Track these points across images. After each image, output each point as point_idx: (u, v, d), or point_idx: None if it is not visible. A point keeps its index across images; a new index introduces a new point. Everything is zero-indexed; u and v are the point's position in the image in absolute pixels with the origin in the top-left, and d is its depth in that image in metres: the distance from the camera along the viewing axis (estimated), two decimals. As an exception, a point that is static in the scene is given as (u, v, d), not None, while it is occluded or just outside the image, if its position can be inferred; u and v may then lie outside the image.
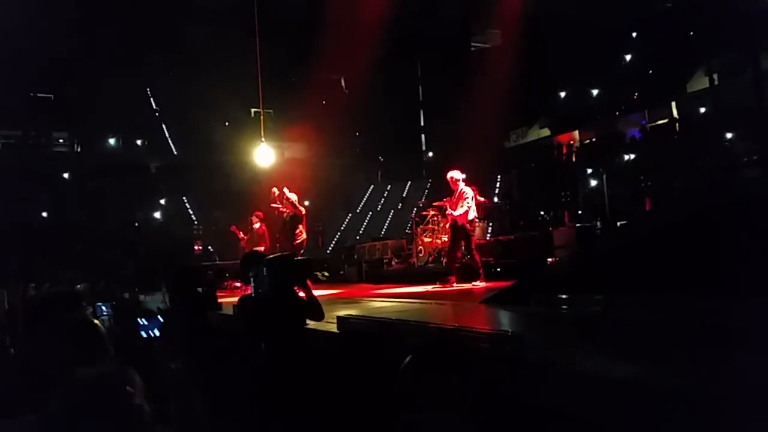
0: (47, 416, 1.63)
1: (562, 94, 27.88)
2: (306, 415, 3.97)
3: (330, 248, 22.44)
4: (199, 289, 6.96)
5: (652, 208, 14.55)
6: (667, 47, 22.09)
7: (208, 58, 23.79)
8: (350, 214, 27.78)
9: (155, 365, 4.28)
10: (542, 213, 16.74)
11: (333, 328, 4.85)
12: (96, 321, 2.47)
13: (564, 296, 4.94)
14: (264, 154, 14.66)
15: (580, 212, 16.96)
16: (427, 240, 12.77)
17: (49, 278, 14.61)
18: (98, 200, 23.51)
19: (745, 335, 3.17)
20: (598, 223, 14.02)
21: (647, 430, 2.43)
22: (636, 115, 23.42)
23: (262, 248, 12.19)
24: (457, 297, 8.26)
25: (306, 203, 12.86)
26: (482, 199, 13.39)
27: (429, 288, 9.55)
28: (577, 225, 13.27)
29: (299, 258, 4.96)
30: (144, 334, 6.63)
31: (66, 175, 26.05)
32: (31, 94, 25.60)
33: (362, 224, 26.67)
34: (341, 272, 15.53)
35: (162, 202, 26.40)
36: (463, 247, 9.73)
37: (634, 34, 24.16)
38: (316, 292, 4.76)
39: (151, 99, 28.17)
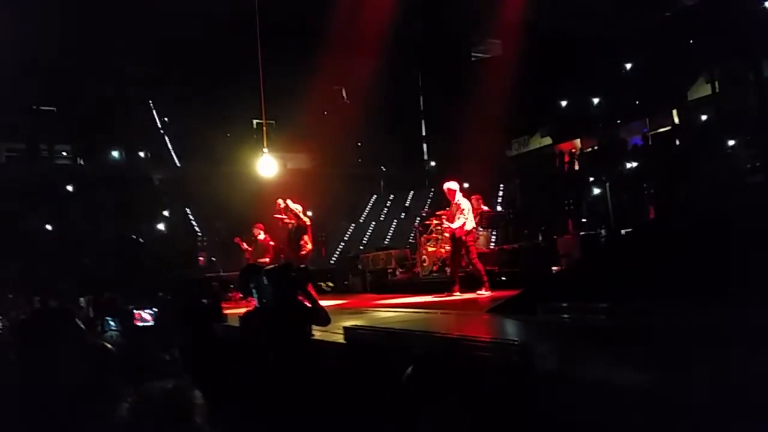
0: (112, 428, 1.65)
1: (563, 103, 27.90)
2: (313, 424, 3.96)
3: (334, 258, 22.42)
4: (204, 301, 6.97)
5: (656, 215, 14.52)
6: (668, 55, 22.12)
7: (210, 69, 23.88)
8: (353, 224, 27.78)
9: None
10: (543, 227, 16.64)
11: (340, 338, 4.85)
12: (107, 345, 2.46)
13: (572, 305, 4.93)
14: (267, 165, 14.68)
15: (584, 220, 16.94)
16: (431, 249, 12.75)
17: (53, 290, 14.61)
18: (101, 212, 23.55)
19: (754, 343, 3.16)
20: (603, 231, 13.99)
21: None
22: (637, 122, 23.42)
23: (267, 260, 12.20)
24: (463, 306, 8.24)
25: (309, 213, 12.86)
26: (486, 208, 13.42)
27: (434, 298, 9.54)
28: (582, 233, 13.26)
29: (297, 266, 4.97)
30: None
31: (69, 188, 26.12)
32: (35, 108, 25.70)
33: (366, 234, 26.66)
34: (345, 282, 15.52)
35: (165, 213, 26.42)
36: (465, 257, 9.74)
37: (634, 42, 24.19)
38: (321, 303, 4.77)
39: (154, 111, 28.26)
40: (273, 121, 21.39)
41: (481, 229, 12.24)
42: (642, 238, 6.05)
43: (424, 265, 12.81)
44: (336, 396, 4.24)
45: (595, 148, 24.47)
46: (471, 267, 9.72)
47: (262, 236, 13.04)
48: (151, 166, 28.07)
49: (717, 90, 19.06)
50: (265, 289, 4.45)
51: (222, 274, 16.35)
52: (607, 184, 15.45)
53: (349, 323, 5.24)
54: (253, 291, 4.63)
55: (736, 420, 2.25)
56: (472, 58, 28.96)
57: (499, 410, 2.58)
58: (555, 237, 12.28)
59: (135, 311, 6.39)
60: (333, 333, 4.86)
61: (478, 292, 9.27)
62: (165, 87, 26.30)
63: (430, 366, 2.04)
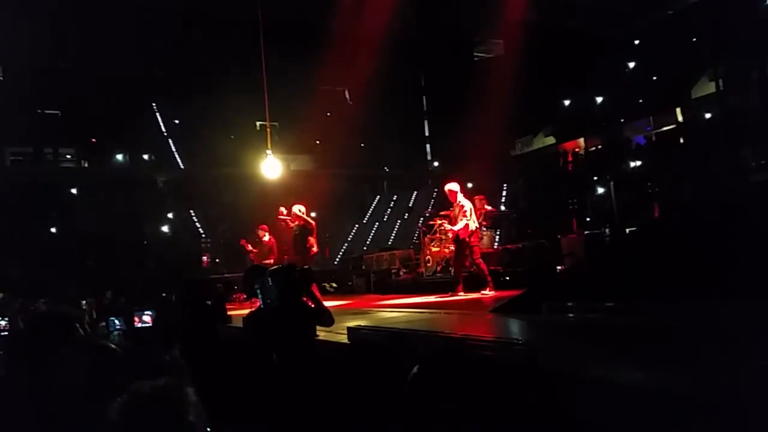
0: (104, 427, 1.64)
1: (567, 102, 27.87)
2: (317, 424, 3.96)
3: (338, 259, 22.43)
4: (208, 302, 6.98)
5: (660, 214, 14.48)
6: (672, 53, 22.07)
7: (213, 71, 23.92)
8: (357, 225, 27.77)
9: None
10: (547, 226, 16.62)
11: (344, 338, 4.85)
12: (112, 345, 2.46)
13: (576, 304, 4.91)
14: (271, 167, 14.68)
15: (588, 219, 16.91)
16: (434, 249, 12.74)
17: (57, 293, 14.64)
18: (106, 215, 23.61)
19: (760, 341, 3.14)
20: (607, 230, 13.96)
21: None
22: (641, 121, 23.39)
23: (271, 260, 12.19)
24: (467, 306, 8.23)
25: (313, 214, 12.85)
26: (490, 207, 13.40)
27: (438, 298, 9.53)
28: (586, 232, 13.25)
29: (300, 267, 4.97)
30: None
31: (74, 191, 26.19)
32: (39, 111, 25.78)
33: (369, 235, 26.65)
34: (349, 283, 15.52)
35: (169, 215, 26.46)
36: (468, 257, 9.74)
37: (637, 41, 24.17)
38: (325, 303, 4.77)
39: (158, 114, 28.32)
40: (276, 123, 21.41)
41: (484, 229, 12.23)
42: (646, 237, 6.03)
43: (428, 265, 12.80)
44: (339, 396, 4.24)
45: (599, 147, 24.44)
46: (475, 267, 9.72)
47: (266, 237, 13.04)
48: (155, 168, 28.10)
49: (721, 88, 18.99)
50: (270, 289, 4.46)
51: (226, 275, 16.36)
52: (611, 183, 15.44)
53: (352, 323, 5.24)
54: (258, 292, 4.64)
55: (741, 418, 2.24)
56: (475, 58, 28.95)
57: (504, 410, 2.57)
58: (559, 236, 12.26)
59: (135, 313, 6.40)
60: (337, 333, 4.85)
61: (482, 292, 9.27)
62: (169, 90, 26.33)
63: (437, 366, 2.04)
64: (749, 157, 15.95)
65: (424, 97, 32.14)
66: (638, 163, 20.62)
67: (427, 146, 32.64)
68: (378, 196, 30.19)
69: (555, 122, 27.30)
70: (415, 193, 28.98)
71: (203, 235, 25.13)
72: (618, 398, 2.67)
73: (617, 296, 4.63)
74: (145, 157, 28.55)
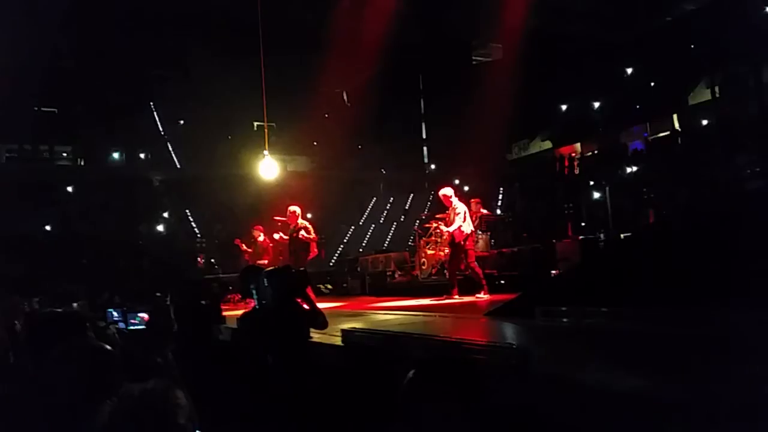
0: (94, 429, 1.64)
1: (564, 107, 27.94)
2: (310, 426, 3.96)
3: (333, 261, 22.41)
4: (203, 302, 6.96)
5: (655, 220, 14.52)
6: (669, 60, 22.15)
7: (211, 72, 23.90)
8: (353, 227, 27.76)
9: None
10: (542, 231, 16.64)
11: (337, 341, 4.84)
12: (107, 347, 2.45)
13: (570, 309, 4.93)
14: (267, 167, 14.66)
15: (583, 224, 16.93)
16: (430, 252, 12.74)
17: (52, 291, 14.58)
18: (101, 213, 23.54)
19: (753, 347, 3.15)
20: (602, 236, 13.99)
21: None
22: (638, 127, 23.46)
23: (266, 261, 12.17)
24: (461, 310, 8.23)
25: (309, 216, 12.83)
26: (485, 211, 13.41)
27: (432, 301, 9.53)
28: (581, 237, 13.26)
29: (296, 269, 4.96)
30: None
31: (70, 189, 26.11)
32: (36, 109, 25.71)
33: (365, 237, 26.65)
34: (344, 285, 15.51)
35: (165, 215, 26.42)
36: (463, 261, 9.75)
37: (635, 47, 24.24)
38: (320, 305, 4.77)
39: (155, 113, 28.26)
40: (274, 124, 21.39)
41: (480, 232, 12.24)
42: (641, 243, 6.05)
43: (423, 268, 12.81)
44: (333, 398, 4.23)
45: (596, 152, 24.50)
46: (470, 271, 9.72)
47: (261, 238, 13.02)
48: (151, 167, 28.05)
49: (717, 95, 19.08)
50: (265, 290, 4.45)
51: (221, 275, 16.33)
52: (607, 189, 15.48)
53: (347, 326, 5.24)
54: (253, 292, 4.63)
55: (733, 424, 2.25)
56: (473, 62, 28.99)
57: (498, 414, 2.57)
58: (554, 241, 12.27)
59: (128, 315, 6.37)
60: (331, 335, 4.85)
61: (477, 295, 9.28)
62: (167, 89, 26.28)
63: (433, 370, 2.04)
64: (745, 165, 16.00)
65: (421, 100, 32.17)
66: (634, 168, 20.68)
67: (424, 149, 32.66)
68: (374, 198, 30.19)
69: (552, 127, 27.36)
70: (412, 195, 29.00)
71: (198, 235, 25.08)
72: (610, 404, 2.67)
73: (611, 302, 4.64)
74: (142, 156, 28.50)
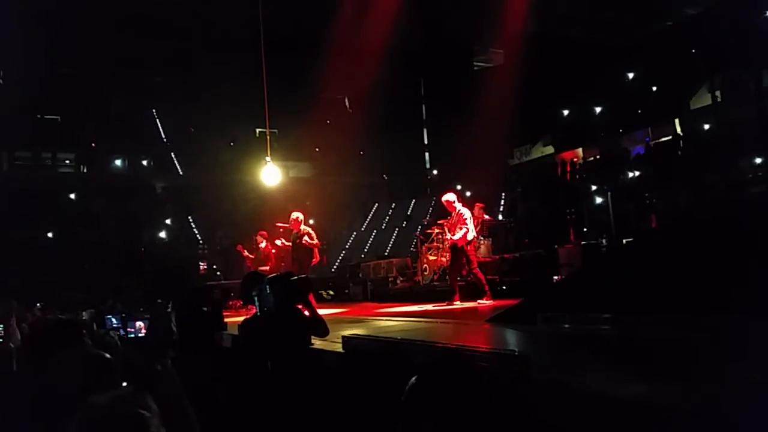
0: None
1: (566, 112, 27.94)
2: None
3: (335, 267, 22.42)
4: (205, 309, 6.96)
5: (658, 225, 14.49)
6: (670, 64, 22.16)
7: (213, 78, 23.97)
8: (355, 233, 27.77)
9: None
10: (545, 236, 16.61)
11: (338, 347, 4.83)
12: (106, 354, 2.45)
13: (572, 315, 4.91)
14: (270, 174, 14.68)
15: (585, 230, 16.91)
16: (432, 258, 12.73)
17: (54, 298, 14.60)
18: (104, 220, 23.58)
19: (755, 353, 3.14)
20: (604, 241, 13.96)
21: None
22: (640, 132, 23.44)
23: (268, 267, 12.18)
24: (463, 316, 8.22)
25: (311, 221, 12.83)
26: (488, 217, 13.41)
27: (434, 307, 9.51)
28: (583, 243, 13.24)
29: (298, 276, 4.95)
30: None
31: (72, 196, 26.17)
32: (39, 116, 25.80)
33: (367, 243, 26.64)
34: (346, 291, 15.50)
35: (167, 222, 26.46)
36: (465, 267, 9.73)
37: (636, 52, 24.27)
38: (321, 311, 4.76)
39: (157, 120, 28.34)
40: (276, 130, 21.45)
41: (482, 237, 12.22)
42: (643, 248, 6.03)
43: (425, 273, 12.79)
44: (333, 405, 4.22)
45: (597, 157, 24.48)
46: (472, 276, 9.71)
47: (263, 244, 13.03)
48: (153, 174, 28.11)
49: (719, 100, 19.06)
50: (267, 297, 4.45)
51: (223, 282, 16.34)
52: (609, 194, 15.44)
53: (348, 332, 5.23)
54: (255, 299, 4.62)
55: (736, 430, 2.24)
56: (475, 68, 29.03)
57: (500, 421, 2.56)
58: (556, 246, 12.25)
59: (128, 322, 6.37)
60: (332, 342, 4.84)
61: (479, 301, 9.26)
62: (169, 96, 26.36)
63: (434, 376, 2.04)
64: (747, 169, 15.99)
65: (423, 105, 32.20)
66: (636, 173, 20.66)
67: (426, 154, 32.68)
68: (376, 204, 30.20)
69: (554, 132, 27.35)
70: (414, 201, 28.99)
71: (201, 242, 25.12)
72: (613, 411, 2.66)
73: (613, 307, 4.62)
74: (144, 163, 28.56)
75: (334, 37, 20.02)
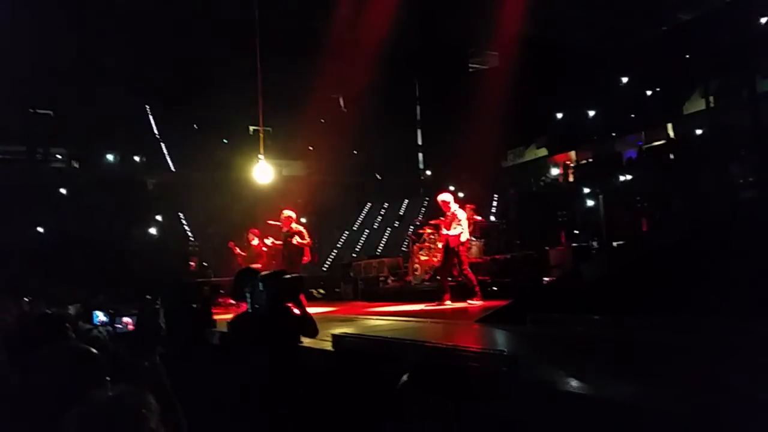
0: None
1: (559, 115, 28.03)
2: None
3: (326, 266, 22.38)
4: (195, 306, 6.93)
5: (649, 228, 14.56)
6: (664, 69, 22.27)
7: (207, 74, 23.88)
8: (347, 232, 27.75)
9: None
10: (536, 238, 16.65)
11: (328, 346, 4.82)
12: (92, 350, 2.43)
13: (561, 316, 4.92)
14: (262, 172, 14.64)
15: (576, 232, 16.96)
16: (423, 258, 12.74)
17: (43, 293, 14.49)
18: (95, 216, 23.45)
19: (744, 355, 3.15)
20: (595, 243, 14.01)
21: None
22: (633, 136, 23.54)
23: (259, 265, 12.13)
24: (453, 316, 8.23)
25: (303, 220, 12.80)
26: (479, 218, 13.41)
27: (424, 306, 9.51)
28: (574, 245, 13.28)
29: (291, 274, 4.94)
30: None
31: (63, 191, 26.02)
32: (31, 110, 25.63)
33: (359, 242, 26.64)
34: (337, 290, 15.47)
35: (158, 218, 26.34)
36: (456, 267, 9.74)
37: (630, 56, 24.37)
38: (312, 310, 4.75)
39: (150, 116, 28.21)
40: (270, 128, 21.38)
41: (474, 238, 12.23)
42: (634, 251, 6.05)
43: (416, 273, 12.80)
44: (322, 403, 4.21)
45: (590, 160, 24.57)
46: (463, 277, 9.71)
47: (255, 242, 13.00)
48: (145, 170, 28.00)
49: (712, 105, 19.15)
50: (259, 294, 4.43)
51: (213, 279, 16.27)
52: (601, 197, 15.49)
53: (338, 330, 5.23)
54: (247, 295, 4.60)
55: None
56: (469, 69, 29.07)
57: (489, 420, 2.56)
58: (547, 248, 12.28)
59: (115, 318, 6.33)
60: (321, 340, 4.83)
61: (469, 301, 9.27)
62: (162, 92, 26.24)
63: (424, 375, 2.04)
64: (739, 174, 16.07)
65: (417, 106, 32.21)
66: (628, 177, 20.74)
67: (420, 155, 32.69)
68: (369, 204, 30.18)
69: (547, 134, 27.43)
70: (406, 201, 29.00)
71: (191, 239, 25.01)
72: (600, 411, 2.66)
73: (602, 309, 4.64)
74: (136, 158, 28.44)
75: (330, 37, 20.01)
